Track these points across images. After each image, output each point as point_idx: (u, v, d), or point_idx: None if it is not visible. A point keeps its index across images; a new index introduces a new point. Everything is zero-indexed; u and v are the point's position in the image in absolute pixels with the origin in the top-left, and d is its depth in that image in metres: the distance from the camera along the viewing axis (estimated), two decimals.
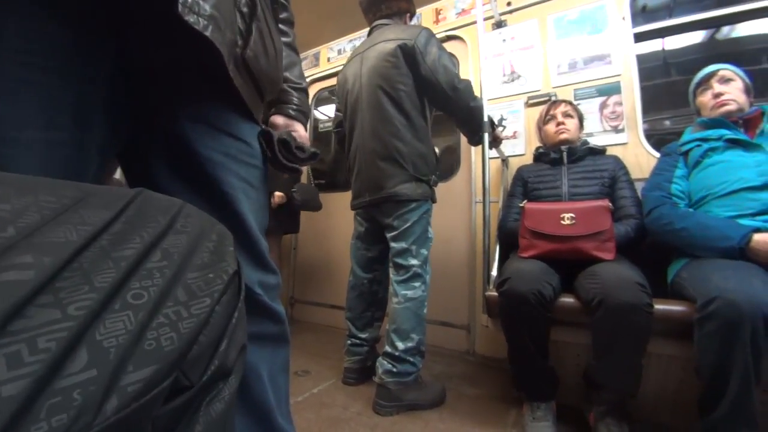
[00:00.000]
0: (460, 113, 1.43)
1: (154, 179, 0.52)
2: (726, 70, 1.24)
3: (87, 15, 0.43)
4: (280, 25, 0.73)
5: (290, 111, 0.73)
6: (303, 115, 0.75)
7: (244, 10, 0.53)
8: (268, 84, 0.61)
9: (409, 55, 1.37)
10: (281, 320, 0.63)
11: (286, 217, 2.23)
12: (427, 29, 1.42)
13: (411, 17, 1.60)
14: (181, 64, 0.50)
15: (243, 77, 0.54)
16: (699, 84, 1.30)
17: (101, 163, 0.48)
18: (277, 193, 2.11)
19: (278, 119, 0.72)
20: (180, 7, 0.41)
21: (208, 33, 0.44)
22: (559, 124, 1.46)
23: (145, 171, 0.53)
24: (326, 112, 3.05)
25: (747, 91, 1.22)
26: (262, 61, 0.57)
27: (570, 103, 1.51)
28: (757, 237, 0.97)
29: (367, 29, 1.60)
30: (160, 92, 0.51)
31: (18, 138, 0.38)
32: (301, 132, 0.74)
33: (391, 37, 1.41)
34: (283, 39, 0.73)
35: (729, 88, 1.21)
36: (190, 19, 0.42)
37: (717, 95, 1.22)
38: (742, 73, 1.23)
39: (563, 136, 1.45)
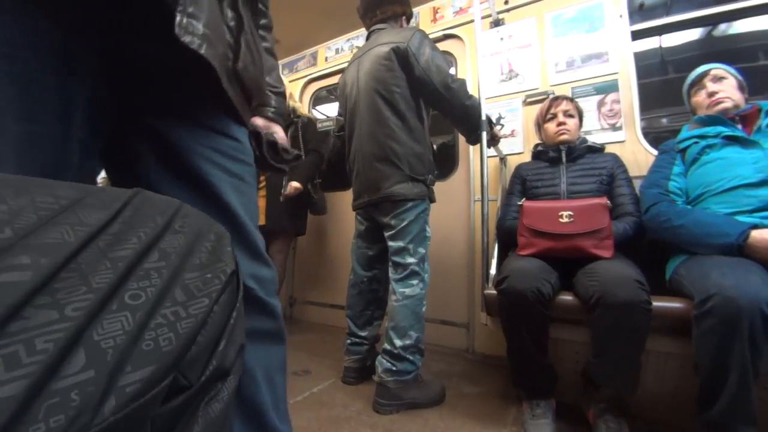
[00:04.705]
0: (456, 112, 1.43)
1: (143, 175, 0.52)
2: (718, 68, 1.24)
3: (75, 13, 0.44)
4: (261, 31, 0.75)
5: (269, 113, 0.76)
6: (281, 117, 0.79)
7: (232, 24, 0.56)
8: (256, 90, 0.64)
9: (402, 57, 1.38)
10: (276, 316, 0.62)
11: (300, 218, 2.16)
12: (420, 31, 1.44)
13: (408, 20, 1.60)
14: (174, 70, 0.51)
15: (234, 88, 0.55)
16: (692, 84, 1.31)
17: (82, 160, 0.47)
18: (293, 184, 1.97)
19: (258, 121, 0.75)
20: (177, 29, 0.43)
21: (202, 51, 0.46)
22: (560, 124, 1.45)
23: (132, 168, 0.53)
24: (324, 111, 3.04)
25: (741, 88, 1.22)
26: (251, 71, 0.59)
27: (571, 101, 1.51)
28: (755, 234, 0.97)
29: (364, 28, 1.61)
30: (151, 93, 0.52)
31: None
32: (280, 133, 0.77)
33: (385, 40, 1.43)
34: (263, 44, 0.76)
35: (723, 86, 1.21)
36: (186, 39, 0.44)
37: (711, 94, 1.22)
38: (734, 71, 1.24)
39: (564, 137, 1.44)
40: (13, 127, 0.39)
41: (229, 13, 0.55)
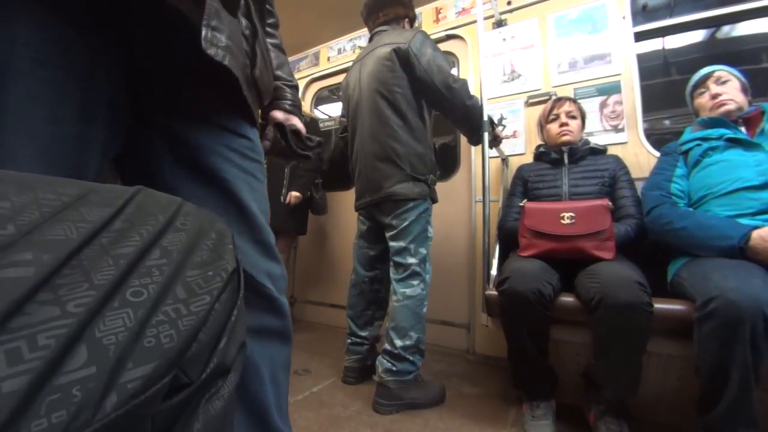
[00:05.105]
0: (457, 112, 1.44)
1: (160, 174, 0.54)
2: (721, 71, 1.24)
3: (95, 19, 0.45)
4: (269, 29, 0.79)
5: (286, 106, 0.80)
6: (297, 109, 0.83)
7: (247, 32, 0.58)
8: (266, 93, 0.67)
9: (403, 57, 1.39)
10: (285, 315, 0.63)
11: (302, 218, 2.22)
12: (422, 32, 1.44)
13: (411, 23, 1.60)
14: (193, 75, 0.53)
15: (251, 92, 0.58)
16: (695, 87, 1.30)
17: (102, 161, 0.48)
18: (293, 194, 2.08)
19: (278, 114, 0.78)
20: (203, 43, 0.46)
21: (226, 62, 0.48)
22: (562, 125, 1.45)
23: (149, 166, 0.54)
24: (326, 111, 3.04)
25: (744, 90, 1.22)
26: (265, 77, 0.62)
27: (574, 102, 1.50)
28: (756, 235, 0.96)
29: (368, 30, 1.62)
30: (169, 95, 0.53)
31: (22, 129, 0.39)
32: (299, 124, 0.81)
33: (387, 42, 1.44)
34: (272, 41, 0.80)
35: (726, 89, 1.21)
36: (211, 51, 0.46)
37: (715, 96, 1.22)
38: (737, 73, 1.23)
39: (566, 138, 1.44)
40: (40, 127, 0.41)
41: (244, 22, 0.58)
